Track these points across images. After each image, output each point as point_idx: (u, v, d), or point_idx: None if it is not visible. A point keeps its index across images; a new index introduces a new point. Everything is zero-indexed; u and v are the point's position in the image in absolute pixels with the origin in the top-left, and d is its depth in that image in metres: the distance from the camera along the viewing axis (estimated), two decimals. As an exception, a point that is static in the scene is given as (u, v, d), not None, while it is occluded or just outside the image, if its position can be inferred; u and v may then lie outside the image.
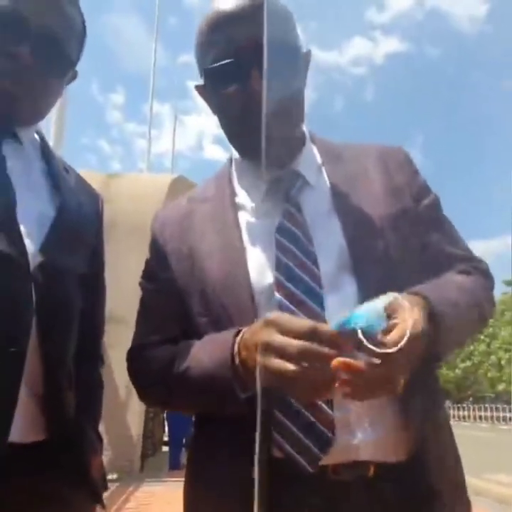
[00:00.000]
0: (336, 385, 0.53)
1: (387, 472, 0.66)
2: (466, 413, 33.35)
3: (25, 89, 0.77)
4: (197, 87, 0.83)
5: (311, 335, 0.54)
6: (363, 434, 0.65)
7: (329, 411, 0.64)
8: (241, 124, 0.75)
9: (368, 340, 0.51)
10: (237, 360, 0.62)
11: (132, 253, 4.95)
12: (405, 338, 0.53)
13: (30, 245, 0.73)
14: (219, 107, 0.79)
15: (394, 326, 0.55)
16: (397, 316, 0.56)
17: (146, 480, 5.32)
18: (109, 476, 4.83)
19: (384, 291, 0.61)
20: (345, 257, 0.71)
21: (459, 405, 34.86)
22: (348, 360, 0.52)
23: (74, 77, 0.87)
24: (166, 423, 7.83)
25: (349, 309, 0.54)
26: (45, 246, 0.74)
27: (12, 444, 0.66)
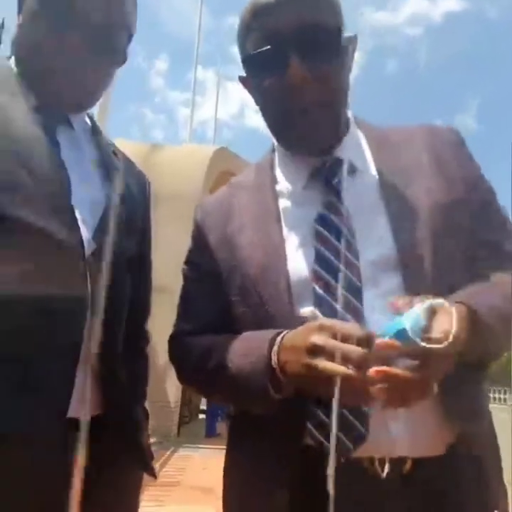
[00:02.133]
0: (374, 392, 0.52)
1: (424, 467, 0.64)
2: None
3: (78, 79, 0.79)
4: (240, 78, 0.81)
5: (366, 342, 0.53)
6: (398, 429, 0.64)
7: (365, 407, 0.63)
8: (281, 116, 0.73)
9: (412, 340, 0.50)
10: (275, 362, 0.62)
11: (173, 223, 5.01)
12: (450, 337, 0.51)
13: (85, 232, 0.75)
14: (259, 98, 0.77)
15: (436, 327, 0.53)
16: (439, 319, 0.54)
17: (183, 445, 5.51)
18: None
19: (429, 290, 0.59)
20: (390, 251, 0.68)
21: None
22: (386, 368, 0.51)
23: (124, 61, 0.88)
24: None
25: (391, 316, 0.54)
26: (98, 233, 0.77)
27: (70, 420, 0.69)
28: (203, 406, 7.91)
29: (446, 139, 0.77)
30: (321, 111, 0.70)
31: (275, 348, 0.62)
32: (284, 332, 0.63)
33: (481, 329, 0.59)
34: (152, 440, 5.08)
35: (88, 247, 0.75)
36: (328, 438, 0.63)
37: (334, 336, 0.55)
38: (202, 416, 7.97)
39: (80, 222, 0.74)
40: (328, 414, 0.63)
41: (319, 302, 0.66)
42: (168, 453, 5.01)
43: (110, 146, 0.91)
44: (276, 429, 0.66)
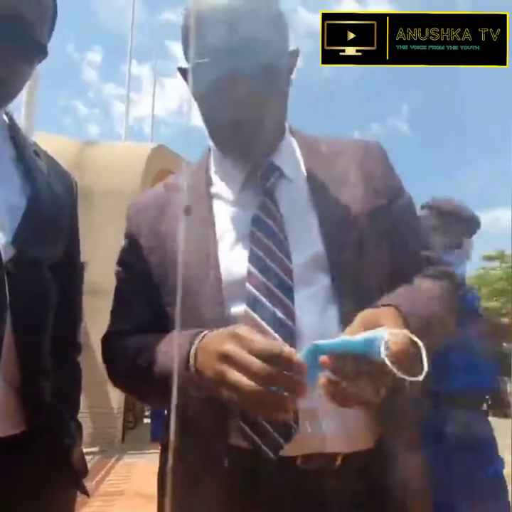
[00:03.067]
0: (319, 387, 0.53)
1: (354, 462, 0.67)
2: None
3: None
4: (180, 70, 0.80)
5: (276, 359, 0.53)
6: (329, 425, 0.66)
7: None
8: (217, 125, 0.75)
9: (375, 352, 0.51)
10: (192, 363, 0.62)
11: (109, 223, 4.83)
12: (424, 364, 0.52)
13: (2, 237, 0.71)
14: (199, 100, 0.76)
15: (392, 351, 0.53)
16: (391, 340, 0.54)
17: (128, 452, 5.36)
18: (91, 449, 4.87)
19: (355, 290, 0.65)
20: (320, 253, 0.71)
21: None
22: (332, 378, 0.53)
23: (44, 56, 0.82)
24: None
25: (336, 335, 0.55)
26: (17, 238, 0.72)
27: None
28: (147, 411, 7.75)
29: (372, 153, 0.82)
30: (256, 125, 0.72)
31: (193, 348, 0.62)
32: (205, 332, 0.64)
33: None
34: (94, 449, 4.93)
35: (5, 254, 0.70)
36: (258, 434, 0.64)
37: (247, 347, 0.55)
38: (147, 420, 7.81)
39: None
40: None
41: (252, 301, 0.67)
42: (112, 461, 4.86)
43: (31, 145, 0.86)
44: (204, 428, 0.67)
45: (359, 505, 0.66)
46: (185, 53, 0.78)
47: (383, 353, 0.50)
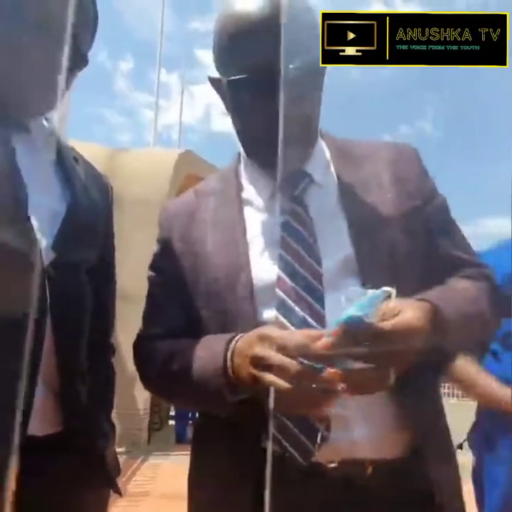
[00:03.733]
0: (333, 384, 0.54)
1: (385, 469, 0.66)
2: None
3: (35, 83, 0.76)
4: (211, 79, 0.80)
5: (304, 351, 0.55)
6: (360, 432, 0.66)
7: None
8: (253, 136, 0.75)
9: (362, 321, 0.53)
10: (229, 366, 0.63)
11: (138, 229, 4.93)
12: (403, 322, 0.55)
13: (43, 241, 0.73)
14: (234, 112, 0.77)
15: (395, 316, 0.56)
16: (401, 310, 0.57)
17: (153, 453, 5.43)
18: (118, 449, 4.94)
19: None
20: (350, 258, 0.70)
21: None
22: (336, 372, 0.54)
23: (85, 65, 0.85)
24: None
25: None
26: (57, 242, 0.75)
27: (31, 437, 0.68)
28: (173, 412, 7.81)
29: (405, 155, 0.81)
30: (293, 136, 0.70)
31: (229, 353, 0.64)
32: (238, 336, 0.65)
33: (443, 324, 0.61)
34: (121, 449, 5.00)
35: (46, 257, 0.72)
36: (289, 440, 0.65)
37: (277, 348, 0.57)
38: (172, 422, 7.87)
39: (37, 232, 0.72)
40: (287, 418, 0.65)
41: (282, 307, 0.68)
42: (137, 462, 4.92)
43: (70, 151, 0.89)
44: (236, 432, 0.67)
45: None
46: (217, 61, 0.77)
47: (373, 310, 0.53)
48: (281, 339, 0.57)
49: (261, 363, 0.57)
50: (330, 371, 0.54)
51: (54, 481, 0.72)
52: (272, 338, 0.58)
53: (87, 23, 0.82)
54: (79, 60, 0.83)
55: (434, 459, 0.68)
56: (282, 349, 0.56)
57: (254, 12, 0.69)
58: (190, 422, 6.76)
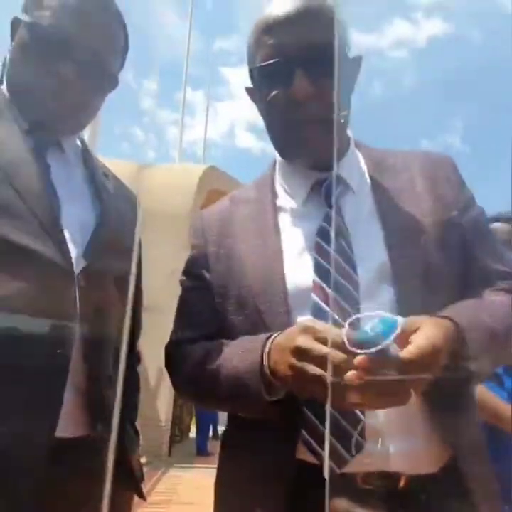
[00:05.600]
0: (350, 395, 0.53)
1: (418, 484, 0.64)
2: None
3: (69, 105, 0.81)
4: (247, 89, 0.83)
5: (343, 349, 0.53)
6: (394, 444, 0.65)
7: (361, 416, 0.64)
8: (283, 127, 0.76)
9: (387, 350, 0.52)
10: (265, 363, 0.63)
11: (164, 243, 5.03)
12: (425, 348, 0.53)
13: (74, 251, 0.77)
14: (263, 109, 0.79)
15: (414, 338, 0.54)
16: (420, 330, 0.55)
17: (175, 465, 5.43)
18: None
19: (422, 304, 0.63)
20: (385, 266, 0.70)
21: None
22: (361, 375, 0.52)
23: (116, 85, 0.90)
24: (193, 410, 7.97)
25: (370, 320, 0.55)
26: (87, 252, 0.78)
27: (59, 439, 0.70)
28: (194, 425, 7.82)
29: (441, 165, 0.80)
30: (322, 125, 0.71)
31: (266, 349, 0.64)
32: (275, 334, 0.65)
33: (466, 344, 0.60)
34: (142, 460, 5.02)
35: (77, 266, 0.76)
36: (323, 447, 0.63)
37: (318, 339, 0.56)
38: (193, 435, 7.87)
39: (69, 242, 0.76)
40: (323, 424, 0.63)
41: (317, 312, 0.67)
42: (158, 473, 4.94)
43: (100, 167, 0.93)
44: (269, 443, 0.67)
45: None
46: (250, 61, 0.79)
47: (391, 338, 0.51)
48: (325, 332, 0.56)
49: (304, 354, 0.56)
50: (355, 375, 0.52)
51: (82, 481, 0.73)
52: (317, 329, 0.57)
53: (119, 47, 0.87)
54: (110, 82, 0.88)
55: (470, 475, 0.66)
56: (326, 341, 0.55)
57: (279, 10, 0.73)
58: (212, 434, 6.74)
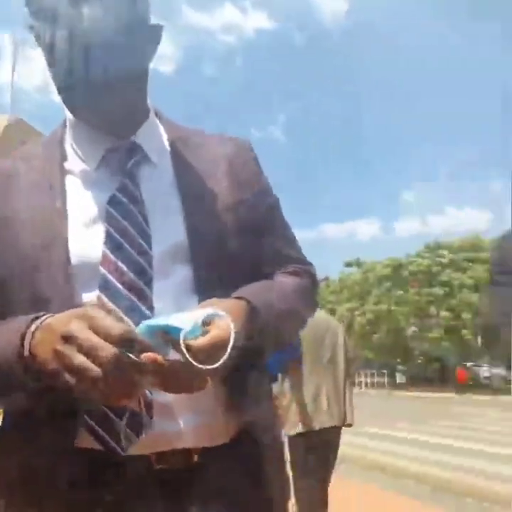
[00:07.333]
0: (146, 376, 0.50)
1: (211, 457, 0.65)
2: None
3: None
4: (31, 28, 0.70)
5: (125, 342, 0.49)
6: (184, 421, 0.64)
7: (149, 394, 0.61)
8: (65, 73, 0.66)
9: (184, 347, 0.50)
10: (27, 343, 0.55)
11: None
12: (226, 349, 0.52)
13: None
14: (45, 51, 0.68)
15: (208, 333, 0.53)
16: (213, 325, 0.54)
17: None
18: None
19: (216, 283, 0.64)
20: (183, 244, 0.68)
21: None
22: (156, 356, 0.50)
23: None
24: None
25: (164, 316, 0.53)
26: None
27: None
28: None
29: (243, 151, 0.81)
30: (115, 83, 0.66)
31: (30, 331, 0.55)
32: (47, 315, 0.57)
33: (259, 323, 0.63)
34: None
35: None
36: (107, 430, 0.60)
37: (94, 328, 0.49)
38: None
39: None
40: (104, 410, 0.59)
41: (106, 286, 0.63)
42: None
43: None
44: (47, 436, 0.61)
45: (221, 502, 0.64)
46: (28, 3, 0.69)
47: (182, 337, 0.50)
48: (104, 322, 0.50)
49: (73, 342, 0.49)
50: (147, 356, 0.49)
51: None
52: (95, 318, 0.50)
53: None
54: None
55: (259, 441, 0.69)
56: (100, 333, 0.49)
57: None
58: None
